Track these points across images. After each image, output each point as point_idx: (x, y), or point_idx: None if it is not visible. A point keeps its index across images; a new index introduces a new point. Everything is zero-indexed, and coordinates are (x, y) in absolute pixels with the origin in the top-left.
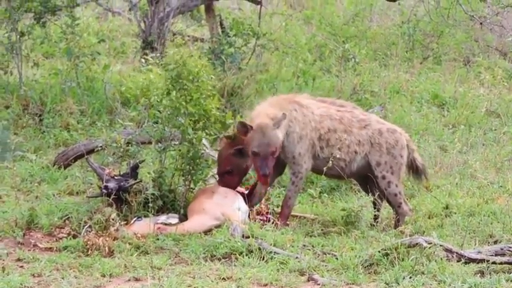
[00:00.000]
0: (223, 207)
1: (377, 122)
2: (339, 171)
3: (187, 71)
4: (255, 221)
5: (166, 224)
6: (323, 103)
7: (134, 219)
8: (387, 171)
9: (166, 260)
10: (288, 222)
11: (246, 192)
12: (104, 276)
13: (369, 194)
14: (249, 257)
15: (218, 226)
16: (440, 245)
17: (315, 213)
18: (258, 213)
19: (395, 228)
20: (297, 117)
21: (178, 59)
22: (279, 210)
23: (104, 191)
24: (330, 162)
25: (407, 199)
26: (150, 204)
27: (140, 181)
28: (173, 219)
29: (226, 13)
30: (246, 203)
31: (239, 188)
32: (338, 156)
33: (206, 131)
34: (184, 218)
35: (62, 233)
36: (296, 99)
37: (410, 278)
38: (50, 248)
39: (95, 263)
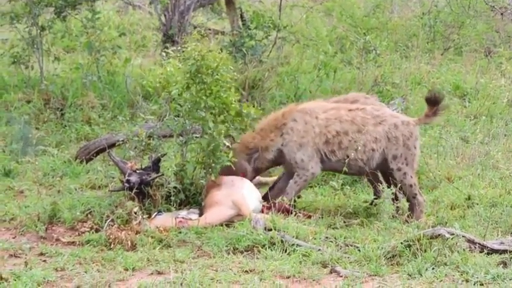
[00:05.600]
0: (232, 195)
1: (391, 116)
2: (358, 169)
3: (205, 65)
4: (278, 212)
5: (186, 219)
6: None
7: (155, 213)
8: (402, 163)
9: (189, 253)
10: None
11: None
12: (127, 269)
13: (384, 186)
14: (271, 250)
15: (238, 215)
16: (463, 236)
17: (337, 205)
18: (280, 205)
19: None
20: (294, 127)
21: (195, 55)
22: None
23: (126, 184)
24: (345, 163)
25: (430, 190)
26: (172, 198)
27: (162, 174)
28: (194, 214)
29: (246, 6)
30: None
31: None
32: (353, 157)
33: (226, 124)
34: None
35: (84, 227)
36: (299, 107)
37: (433, 269)
38: (73, 242)
39: (118, 256)
